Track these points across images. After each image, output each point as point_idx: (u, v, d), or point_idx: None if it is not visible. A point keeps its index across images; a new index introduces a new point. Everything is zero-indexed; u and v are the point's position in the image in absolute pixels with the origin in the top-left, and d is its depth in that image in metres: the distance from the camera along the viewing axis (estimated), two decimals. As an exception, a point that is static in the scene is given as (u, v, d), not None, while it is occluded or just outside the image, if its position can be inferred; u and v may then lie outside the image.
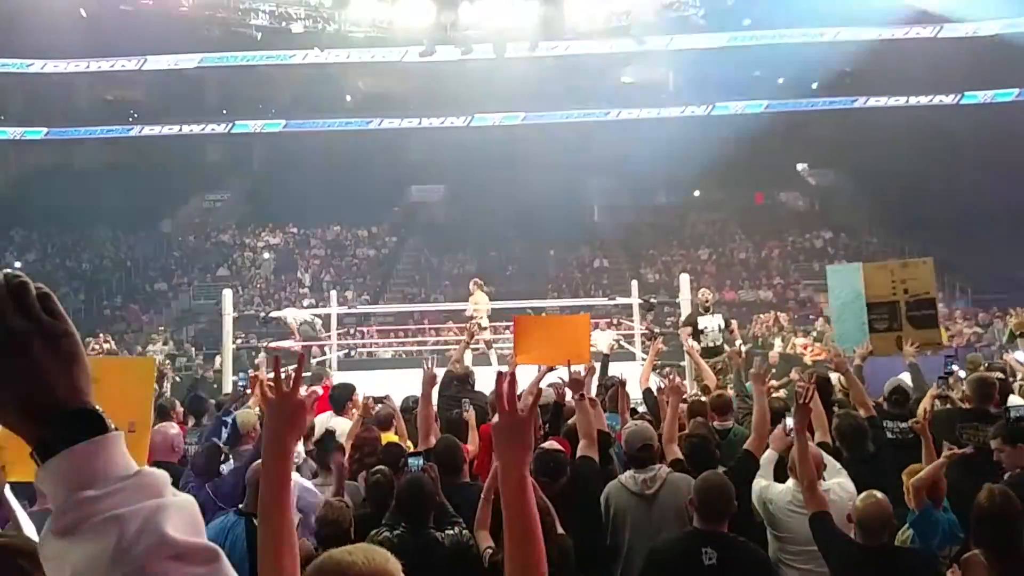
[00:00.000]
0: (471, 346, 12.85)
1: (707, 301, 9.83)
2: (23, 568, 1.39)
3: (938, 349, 7.36)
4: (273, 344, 13.99)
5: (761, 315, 20.41)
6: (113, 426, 0.85)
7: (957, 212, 24.93)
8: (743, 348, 7.87)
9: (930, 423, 4.92)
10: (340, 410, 6.27)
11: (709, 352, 9.24)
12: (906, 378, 6.29)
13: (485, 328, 13.10)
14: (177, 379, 15.02)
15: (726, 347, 9.31)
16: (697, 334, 9.40)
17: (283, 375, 1.84)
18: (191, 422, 6.58)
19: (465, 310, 13.59)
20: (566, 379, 5.02)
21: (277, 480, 1.77)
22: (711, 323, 9.54)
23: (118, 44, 26.64)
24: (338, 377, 9.59)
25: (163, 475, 0.84)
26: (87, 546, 0.77)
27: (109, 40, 25.96)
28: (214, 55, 27.91)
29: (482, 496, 3.66)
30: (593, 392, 5.61)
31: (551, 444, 4.45)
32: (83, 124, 30.65)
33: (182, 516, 0.81)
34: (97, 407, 0.86)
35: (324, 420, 6.21)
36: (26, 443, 0.84)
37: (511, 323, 8.67)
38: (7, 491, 3.43)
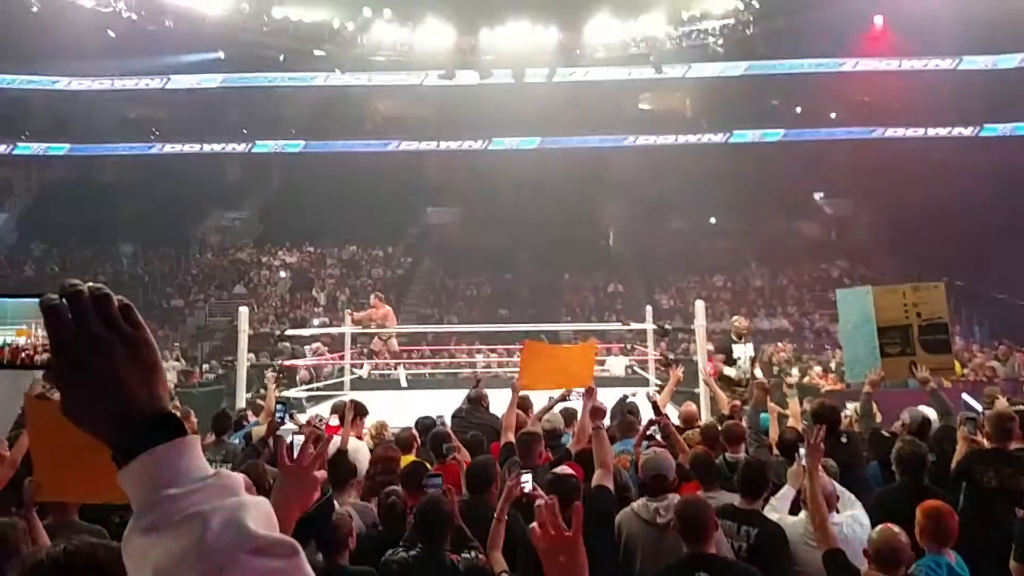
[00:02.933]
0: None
1: (744, 329, 9.65)
2: None
3: (951, 375, 7.15)
4: (288, 363, 14.05)
5: (779, 343, 20.32)
6: (190, 430, 0.89)
7: (975, 244, 24.78)
8: (767, 382, 7.75)
9: (961, 465, 4.86)
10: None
11: (736, 383, 9.12)
12: (924, 408, 6.22)
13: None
14: (195, 392, 15.09)
15: (756, 376, 9.11)
16: (731, 362, 9.26)
17: (307, 450, 1.89)
18: (209, 438, 6.60)
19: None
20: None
21: None
22: (744, 352, 9.37)
23: (142, 63, 27.09)
24: (351, 397, 9.56)
25: (239, 476, 0.88)
26: (171, 542, 0.80)
27: (133, 59, 26.40)
28: (236, 75, 28.33)
29: (495, 516, 3.64)
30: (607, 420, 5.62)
31: (563, 469, 4.44)
32: (106, 141, 31.11)
33: (260, 513, 0.84)
34: (175, 411, 0.90)
35: (335, 442, 6.24)
36: (107, 446, 0.87)
37: (520, 346, 8.69)
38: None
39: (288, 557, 0.82)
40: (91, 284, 0.90)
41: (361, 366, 13.39)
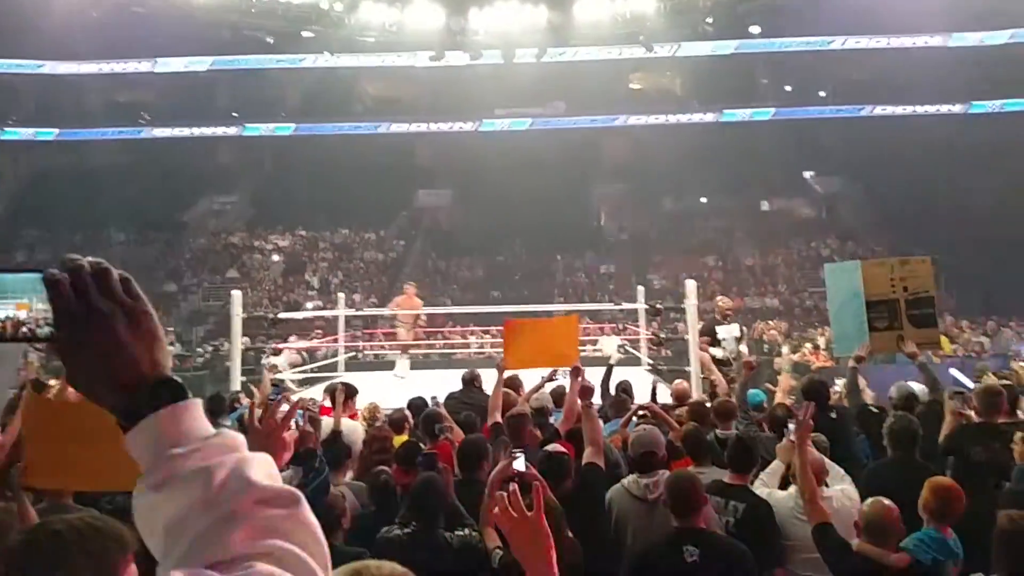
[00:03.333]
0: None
1: (727, 309, 9.65)
2: (109, 548, 1.47)
3: (937, 349, 7.14)
4: (281, 345, 14.07)
5: (770, 321, 20.41)
6: (191, 394, 0.94)
7: (965, 221, 24.89)
8: (754, 359, 7.75)
9: (949, 439, 4.89)
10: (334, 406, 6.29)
11: (723, 362, 9.16)
12: (912, 383, 6.27)
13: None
14: (190, 376, 15.07)
15: (743, 356, 9.13)
16: (716, 343, 9.28)
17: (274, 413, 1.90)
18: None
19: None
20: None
21: None
22: (728, 333, 9.38)
23: (130, 46, 26.84)
24: (345, 379, 9.61)
25: (240, 436, 0.93)
26: (179, 496, 0.85)
27: (121, 42, 26.17)
28: (226, 58, 28.14)
29: (487, 492, 3.68)
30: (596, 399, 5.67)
31: (555, 447, 4.47)
32: (94, 125, 30.89)
33: (263, 466, 0.90)
34: (176, 377, 0.94)
35: (328, 423, 6.25)
36: (111, 413, 0.92)
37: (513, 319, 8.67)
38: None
39: (291, 506, 0.88)
40: (91, 259, 0.93)
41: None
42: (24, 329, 0.94)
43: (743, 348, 9.48)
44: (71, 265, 0.92)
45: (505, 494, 1.76)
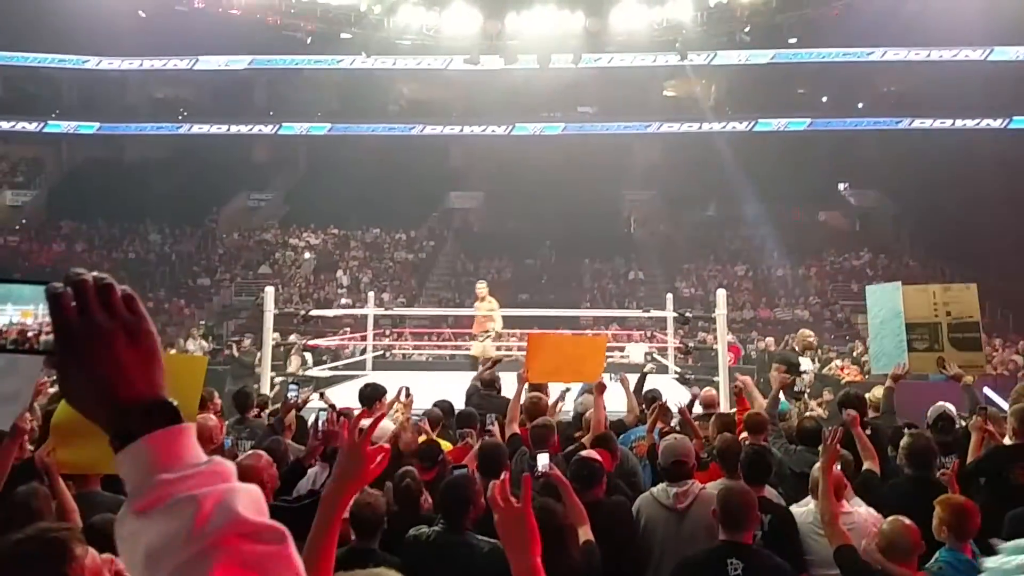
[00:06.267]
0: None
1: (811, 344, 9.57)
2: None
3: (980, 372, 7.05)
4: (312, 343, 14.24)
5: (807, 332, 20.21)
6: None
7: (1001, 238, 24.50)
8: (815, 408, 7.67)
9: (983, 461, 4.83)
10: (368, 408, 6.30)
11: (796, 396, 9.06)
12: (947, 404, 6.21)
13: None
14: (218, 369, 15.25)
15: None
16: (798, 374, 9.16)
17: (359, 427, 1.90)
18: (233, 417, 6.67)
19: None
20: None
21: (326, 525, 1.79)
22: (808, 366, 9.32)
23: (171, 44, 27.29)
24: (372, 378, 9.72)
25: (232, 465, 0.89)
26: (163, 524, 0.82)
27: (163, 39, 26.63)
28: (264, 57, 28.53)
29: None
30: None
31: (588, 453, 4.45)
32: (134, 120, 31.45)
33: (251, 499, 0.86)
34: (172, 400, 0.91)
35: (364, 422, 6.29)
36: (103, 432, 0.89)
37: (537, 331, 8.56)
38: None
39: (276, 543, 0.83)
40: (95, 273, 0.91)
41: None
42: (29, 334, 0.93)
43: (814, 405, 9.39)
44: (75, 279, 0.89)
45: (496, 481, 1.87)
